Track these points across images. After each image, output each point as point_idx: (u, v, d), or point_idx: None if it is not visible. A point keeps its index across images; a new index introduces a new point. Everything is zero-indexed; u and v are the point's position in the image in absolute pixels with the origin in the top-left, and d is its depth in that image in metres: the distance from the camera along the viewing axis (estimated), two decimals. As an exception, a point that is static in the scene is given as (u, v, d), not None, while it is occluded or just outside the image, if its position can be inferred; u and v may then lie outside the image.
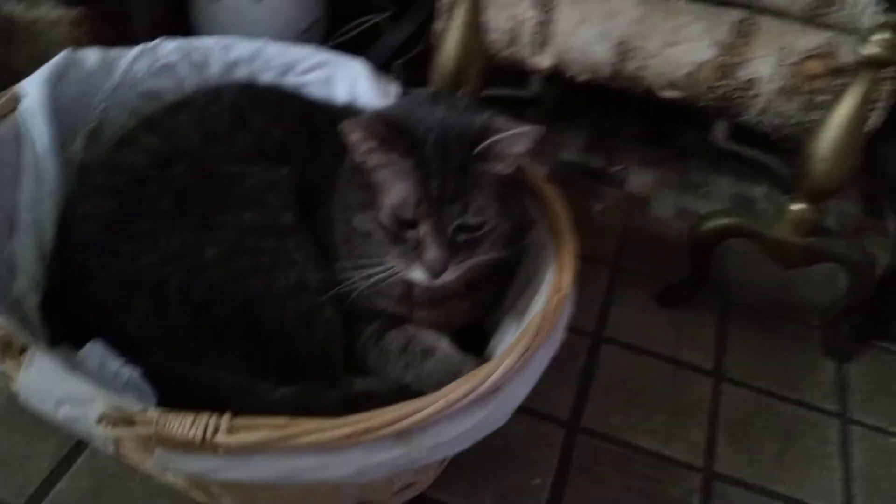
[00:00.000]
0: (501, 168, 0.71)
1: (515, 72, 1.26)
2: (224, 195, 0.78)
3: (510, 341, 0.71)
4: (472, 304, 0.80)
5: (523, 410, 0.73)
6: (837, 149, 0.90)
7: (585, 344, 1.04)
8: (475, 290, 0.78)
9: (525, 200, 0.82)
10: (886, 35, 0.83)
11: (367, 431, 0.59)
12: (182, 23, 1.27)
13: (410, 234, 0.70)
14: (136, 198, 0.78)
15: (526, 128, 0.70)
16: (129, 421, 0.58)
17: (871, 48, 0.84)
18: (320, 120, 0.86)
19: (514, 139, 0.70)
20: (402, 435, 0.61)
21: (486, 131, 0.70)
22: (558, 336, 0.72)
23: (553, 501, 0.85)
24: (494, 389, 0.64)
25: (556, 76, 1.22)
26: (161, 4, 1.23)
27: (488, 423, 0.65)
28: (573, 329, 1.02)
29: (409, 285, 0.76)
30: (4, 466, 0.80)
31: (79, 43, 1.10)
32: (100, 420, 0.59)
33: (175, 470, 0.60)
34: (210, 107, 0.84)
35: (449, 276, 0.70)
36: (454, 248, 0.70)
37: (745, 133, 1.26)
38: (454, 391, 0.62)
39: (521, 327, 0.72)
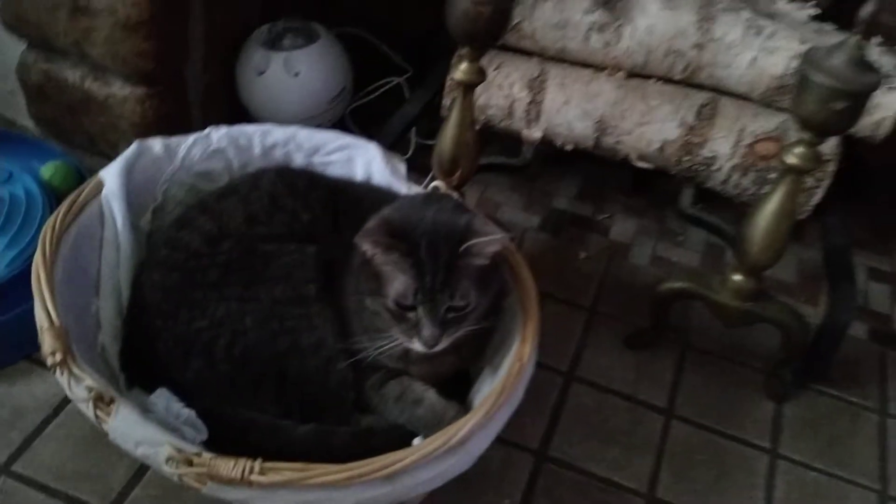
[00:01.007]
0: (480, 261, 0.91)
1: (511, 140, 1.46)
2: (261, 270, 0.98)
3: (486, 390, 0.92)
4: (457, 359, 1.00)
5: (499, 440, 0.93)
6: (767, 235, 1.08)
7: (558, 382, 1.24)
8: (460, 348, 0.98)
9: (503, 274, 1.02)
10: (802, 149, 1.01)
11: (362, 475, 0.80)
12: (230, 95, 1.47)
13: (410, 314, 0.90)
14: (192, 271, 0.99)
15: (499, 234, 0.90)
16: (188, 462, 0.80)
17: (791, 158, 1.02)
18: (342, 203, 1.07)
19: (490, 243, 0.89)
20: (390, 477, 0.81)
21: (468, 233, 0.90)
22: (518, 396, 0.91)
23: (519, 519, 1.06)
24: (462, 442, 0.84)
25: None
26: (212, 81, 1.43)
27: (457, 467, 0.85)
28: (549, 368, 1.25)
29: (407, 349, 0.96)
30: (91, 477, 1.02)
31: (144, 115, 1.33)
32: (167, 460, 0.80)
33: (221, 497, 0.82)
34: (252, 193, 1.05)
35: (441, 345, 0.90)
36: (445, 325, 0.90)
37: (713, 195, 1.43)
38: (430, 444, 0.83)
39: (497, 378, 0.93)
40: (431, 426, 0.92)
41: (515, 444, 1.14)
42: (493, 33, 1.05)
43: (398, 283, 0.89)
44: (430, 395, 0.97)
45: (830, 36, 1.27)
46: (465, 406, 0.98)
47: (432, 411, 0.95)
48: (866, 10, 0.93)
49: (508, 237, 0.91)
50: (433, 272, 0.88)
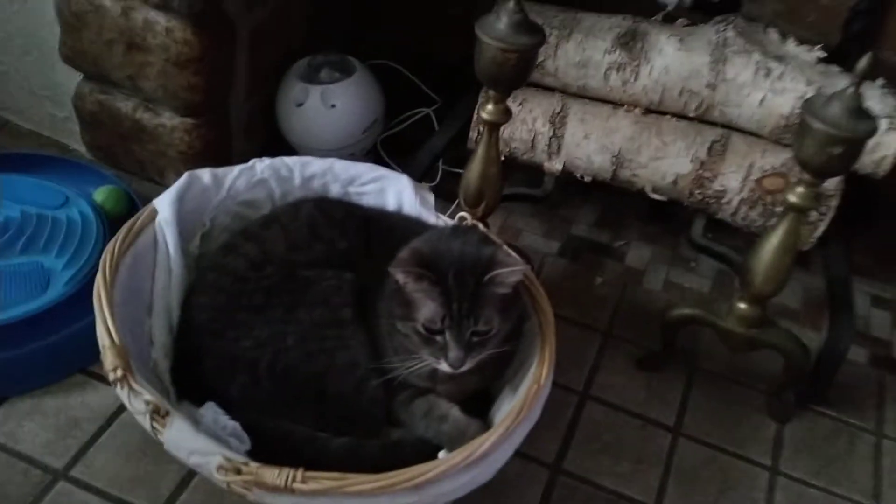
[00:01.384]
0: (502, 290, 1.00)
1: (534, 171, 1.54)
2: (301, 294, 1.07)
3: (507, 408, 1.01)
4: (480, 378, 1.08)
5: (517, 454, 1.01)
6: (770, 268, 1.16)
7: (573, 400, 1.32)
8: (483, 369, 1.06)
9: (523, 301, 1.11)
10: (803, 189, 1.09)
11: (392, 485, 0.88)
12: (269, 124, 1.56)
13: (438, 338, 0.98)
14: (238, 294, 1.08)
15: (520, 266, 0.98)
16: (237, 470, 0.89)
17: (793, 197, 1.10)
18: (375, 232, 1.16)
19: (512, 273, 0.98)
20: (417, 487, 0.89)
21: (492, 264, 0.99)
22: (535, 415, 1.00)
23: (534, 529, 1.15)
24: (484, 456, 0.92)
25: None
26: (253, 112, 1.52)
27: (478, 479, 0.94)
28: (565, 387, 1.33)
29: (435, 369, 1.04)
30: (143, 482, 1.11)
31: (191, 144, 1.43)
32: (218, 469, 0.89)
33: (265, 503, 0.91)
34: (292, 222, 1.15)
35: (466, 367, 0.99)
36: (470, 348, 0.98)
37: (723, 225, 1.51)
38: (454, 458, 0.91)
39: (516, 397, 1.01)
40: (455, 441, 1.00)
41: (532, 458, 1.22)
42: (519, 78, 1.14)
43: (427, 310, 0.98)
44: (455, 413, 1.05)
45: (836, 77, 1.35)
46: (486, 422, 1.07)
47: (456, 427, 1.04)
48: (862, 64, 1.00)
49: (528, 268, 0.99)
50: (460, 300, 0.97)
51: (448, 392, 1.08)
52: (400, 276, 0.98)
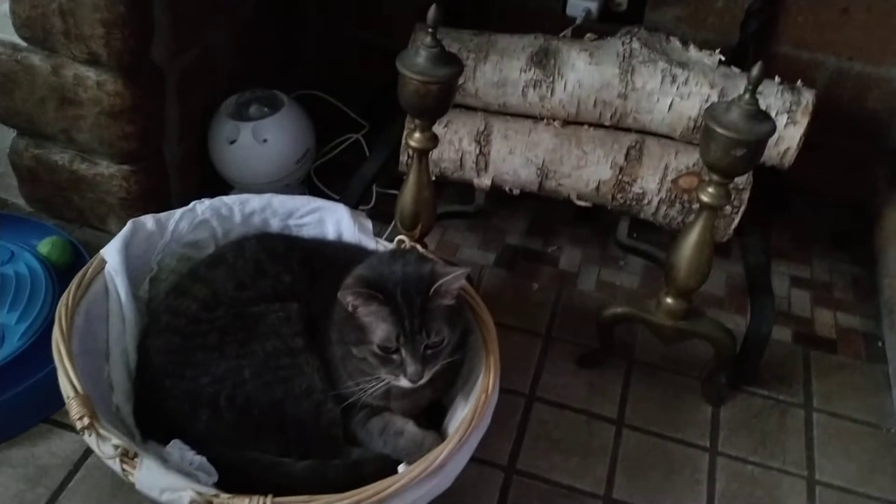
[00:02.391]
0: (447, 300, 1.06)
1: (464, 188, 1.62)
2: (253, 329, 1.12)
3: (459, 418, 1.07)
4: (432, 391, 1.14)
5: (472, 459, 1.07)
6: (691, 263, 1.24)
7: (521, 403, 1.39)
8: (435, 381, 1.12)
9: (466, 315, 1.18)
10: (713, 189, 1.18)
11: (359, 501, 0.94)
12: (203, 163, 1.60)
13: (395, 356, 1.04)
14: (192, 335, 1.12)
15: (459, 270, 1.05)
16: (209, 503, 0.93)
17: (706, 197, 1.19)
18: (317, 262, 1.21)
19: (453, 279, 1.05)
20: (382, 502, 0.95)
21: (434, 276, 1.05)
22: (486, 422, 1.06)
23: (494, 528, 1.21)
24: (440, 467, 0.99)
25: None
26: (187, 153, 1.56)
27: (438, 488, 1.00)
28: (512, 391, 1.39)
29: (388, 389, 1.10)
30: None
31: (129, 190, 1.46)
32: (190, 503, 0.94)
33: (239, 530, 0.95)
34: (238, 261, 1.19)
35: (424, 379, 1.05)
36: (425, 360, 1.04)
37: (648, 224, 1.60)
38: (413, 470, 0.97)
39: (467, 407, 1.07)
40: (413, 454, 1.07)
41: (487, 462, 1.29)
42: (442, 107, 1.20)
43: (381, 331, 1.04)
44: (410, 427, 1.11)
45: (737, 79, 1.45)
46: (440, 433, 1.13)
47: (413, 441, 1.10)
48: (755, 72, 1.09)
49: (468, 270, 1.06)
50: (410, 316, 1.03)
51: (403, 408, 1.14)
52: (350, 300, 1.04)
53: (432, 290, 1.04)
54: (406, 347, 1.03)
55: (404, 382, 1.05)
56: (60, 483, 1.19)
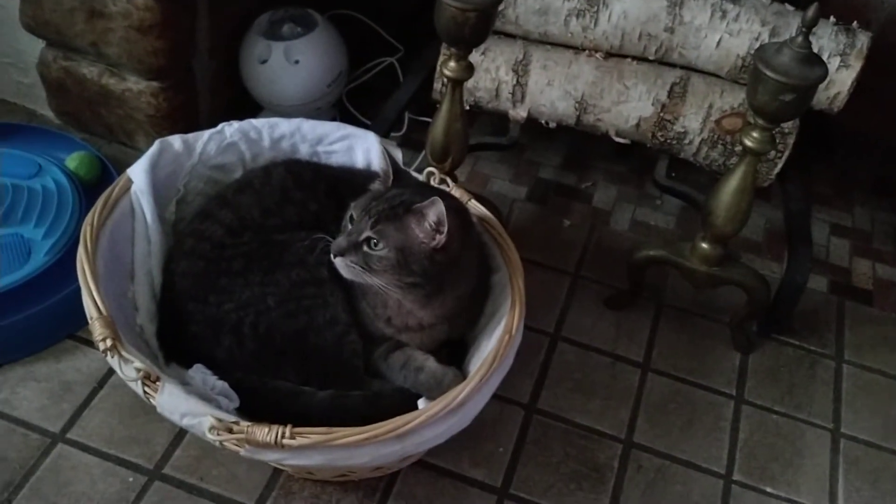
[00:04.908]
0: (422, 232, 1.02)
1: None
2: (278, 257, 1.11)
3: (481, 356, 1.06)
4: (448, 329, 1.13)
5: (494, 397, 1.06)
6: (730, 209, 1.20)
7: (545, 342, 1.37)
8: (451, 320, 1.12)
9: (487, 251, 1.16)
10: (757, 134, 1.13)
11: (377, 436, 0.93)
12: (234, 82, 1.57)
13: (349, 225, 1.04)
14: (217, 260, 1.11)
15: (439, 205, 1.00)
16: (229, 430, 0.93)
17: (749, 142, 1.14)
18: (345, 191, 1.19)
19: (429, 206, 1.00)
20: (400, 437, 0.95)
21: (413, 202, 1.02)
22: (508, 363, 1.05)
23: (511, 464, 1.21)
24: (460, 405, 0.98)
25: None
26: (217, 71, 1.53)
27: (456, 426, 0.99)
28: (537, 329, 1.38)
29: (393, 317, 1.10)
30: (137, 441, 1.17)
31: (158, 107, 1.44)
32: (210, 429, 0.94)
33: (257, 458, 0.96)
34: (265, 187, 1.17)
35: (340, 263, 1.03)
36: (355, 249, 1.02)
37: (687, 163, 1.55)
38: (434, 408, 0.96)
39: (489, 346, 1.06)
40: (433, 390, 1.06)
41: (508, 400, 1.28)
42: (480, 36, 1.16)
43: (356, 204, 1.06)
44: (430, 363, 1.10)
45: (790, 17, 1.38)
46: (462, 370, 1.12)
47: (433, 377, 1.09)
48: (810, 14, 1.03)
49: (439, 202, 1.01)
50: (378, 213, 1.02)
51: (419, 342, 1.13)
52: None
53: (413, 207, 1.02)
54: (354, 225, 1.04)
55: (331, 249, 1.04)
56: (84, 400, 1.21)
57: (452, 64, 1.19)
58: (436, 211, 1.01)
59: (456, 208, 1.09)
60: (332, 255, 1.03)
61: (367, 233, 1.02)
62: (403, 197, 1.05)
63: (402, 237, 1.02)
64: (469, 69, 1.20)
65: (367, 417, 0.96)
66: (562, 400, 1.30)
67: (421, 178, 1.23)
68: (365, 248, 1.02)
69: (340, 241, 1.03)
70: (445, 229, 1.02)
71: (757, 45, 1.36)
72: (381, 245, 1.02)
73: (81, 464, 1.14)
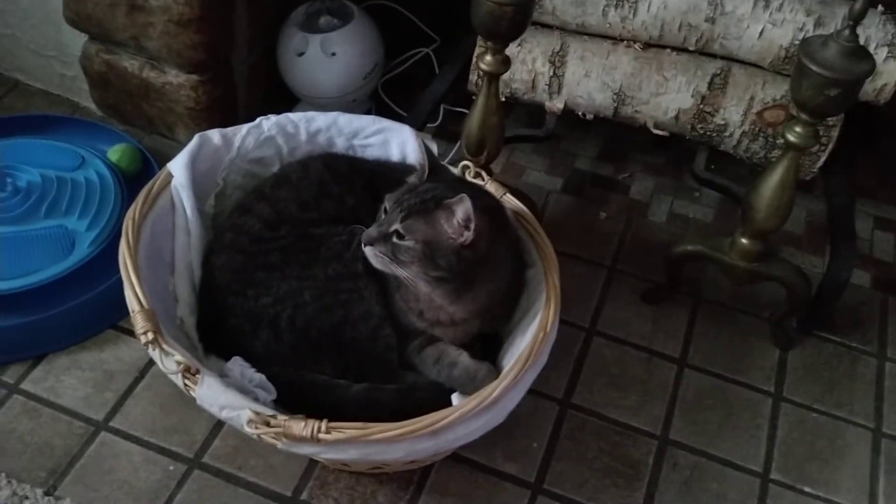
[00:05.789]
0: (451, 228, 1.02)
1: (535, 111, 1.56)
2: (315, 252, 1.12)
3: (515, 352, 1.06)
4: (480, 323, 1.13)
5: (529, 391, 1.06)
6: (771, 204, 1.18)
7: (580, 336, 1.37)
8: (484, 315, 1.12)
9: (523, 246, 1.17)
10: (801, 129, 1.11)
11: (412, 432, 0.94)
12: (271, 75, 1.58)
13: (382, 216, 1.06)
14: (255, 254, 1.13)
15: (466, 202, 1.00)
16: (266, 423, 0.95)
17: (792, 137, 1.12)
18: (381, 185, 1.19)
19: (458, 202, 1.01)
20: (434, 433, 0.95)
21: (449, 199, 1.02)
22: (543, 360, 1.05)
23: (545, 458, 1.21)
24: (494, 402, 0.98)
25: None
26: (255, 64, 1.54)
27: (491, 422, 1.00)
28: (572, 324, 1.37)
29: (425, 310, 1.11)
30: (178, 430, 1.19)
31: (197, 100, 1.45)
32: (248, 422, 0.95)
33: (294, 451, 0.97)
34: (302, 181, 1.18)
35: (370, 252, 1.04)
36: (385, 239, 1.03)
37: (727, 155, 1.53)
38: (468, 404, 0.96)
39: (524, 342, 1.06)
40: (466, 385, 1.07)
41: (543, 395, 1.28)
42: (517, 30, 1.15)
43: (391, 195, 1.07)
44: (463, 359, 1.11)
45: (835, 6, 1.35)
46: (496, 365, 1.12)
47: (466, 372, 1.09)
48: (857, 6, 1.01)
49: (466, 199, 1.01)
50: (409, 206, 1.03)
51: (452, 337, 1.13)
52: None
53: (443, 203, 1.02)
54: (385, 216, 1.05)
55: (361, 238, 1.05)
56: (126, 389, 1.23)
57: (489, 58, 1.19)
58: (464, 208, 1.01)
59: (489, 206, 1.09)
60: (362, 245, 1.05)
61: (397, 225, 1.03)
62: (436, 192, 1.05)
63: (430, 231, 1.03)
64: (506, 63, 1.19)
65: (400, 411, 0.98)
66: (597, 395, 1.29)
67: (456, 171, 1.23)
68: (394, 239, 1.03)
69: (371, 230, 1.05)
70: (473, 226, 1.02)
71: (801, 35, 1.33)
72: (408, 237, 1.03)
73: (124, 451, 1.17)
